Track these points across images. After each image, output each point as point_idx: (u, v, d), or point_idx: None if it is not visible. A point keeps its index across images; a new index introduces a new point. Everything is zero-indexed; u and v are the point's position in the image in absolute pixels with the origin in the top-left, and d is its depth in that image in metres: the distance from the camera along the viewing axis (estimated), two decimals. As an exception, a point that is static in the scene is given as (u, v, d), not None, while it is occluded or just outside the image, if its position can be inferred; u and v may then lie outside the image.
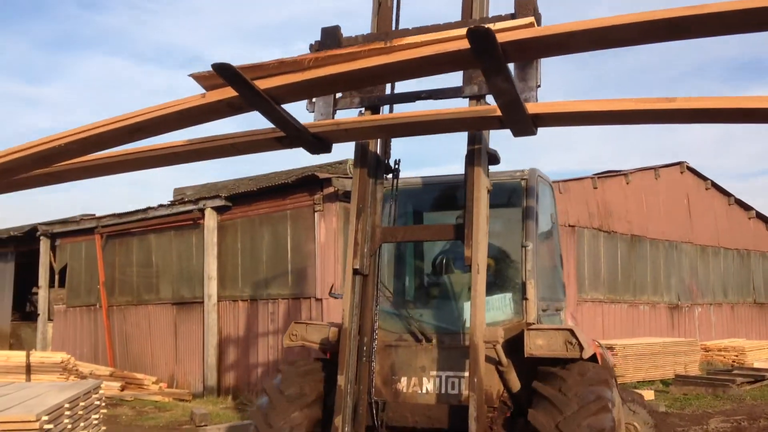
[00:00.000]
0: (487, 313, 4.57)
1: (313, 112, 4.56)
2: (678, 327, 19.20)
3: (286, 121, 3.56)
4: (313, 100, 4.56)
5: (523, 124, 3.64)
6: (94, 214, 18.69)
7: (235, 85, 3.14)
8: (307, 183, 13.31)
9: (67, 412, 4.90)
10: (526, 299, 4.81)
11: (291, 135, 3.74)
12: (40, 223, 19.46)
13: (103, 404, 6.15)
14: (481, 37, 2.91)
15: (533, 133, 3.70)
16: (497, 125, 3.81)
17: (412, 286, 5.72)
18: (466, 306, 4.83)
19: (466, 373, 4.49)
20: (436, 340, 4.76)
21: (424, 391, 4.66)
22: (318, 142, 3.94)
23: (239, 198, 15.11)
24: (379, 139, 4.84)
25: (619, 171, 18.65)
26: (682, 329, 19.21)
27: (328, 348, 4.94)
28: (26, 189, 4.22)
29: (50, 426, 4.40)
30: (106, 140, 3.63)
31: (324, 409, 4.71)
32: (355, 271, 4.57)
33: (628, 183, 18.45)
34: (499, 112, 3.60)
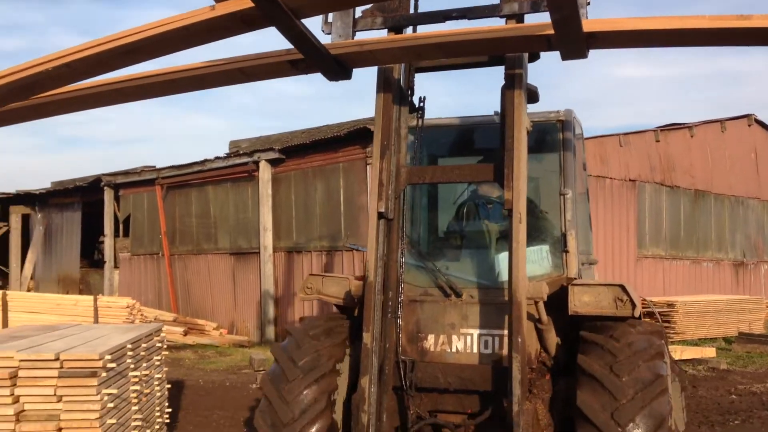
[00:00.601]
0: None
1: (329, 33, 4.11)
2: (743, 284, 18.65)
3: (307, 39, 3.10)
4: (330, 20, 4.13)
5: (577, 43, 3.22)
6: (154, 166, 19.14)
7: None
8: (359, 136, 13.28)
9: (130, 353, 5.07)
10: (566, 252, 4.45)
11: (309, 57, 3.29)
12: (104, 174, 20.04)
13: (165, 347, 6.35)
14: None
15: (584, 55, 3.33)
16: (544, 46, 3.40)
17: (436, 235, 5.23)
18: (499, 258, 4.51)
19: (501, 332, 4.14)
20: (467, 296, 4.31)
21: (453, 350, 4.25)
22: (338, 67, 3.47)
23: (293, 151, 15.21)
24: (401, 72, 4.37)
25: (683, 124, 17.96)
26: (747, 287, 18.66)
27: (347, 303, 4.52)
28: (3, 125, 3.71)
29: (113, 365, 4.56)
30: (97, 64, 3.10)
31: (341, 373, 4.31)
32: (380, 215, 4.11)
33: (692, 136, 17.79)
34: (549, 30, 3.19)
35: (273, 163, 15.56)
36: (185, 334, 14.40)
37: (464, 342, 4.24)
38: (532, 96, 4.38)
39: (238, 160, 16.24)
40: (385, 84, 4.24)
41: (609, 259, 15.51)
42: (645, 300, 12.36)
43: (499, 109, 4.21)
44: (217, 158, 16.91)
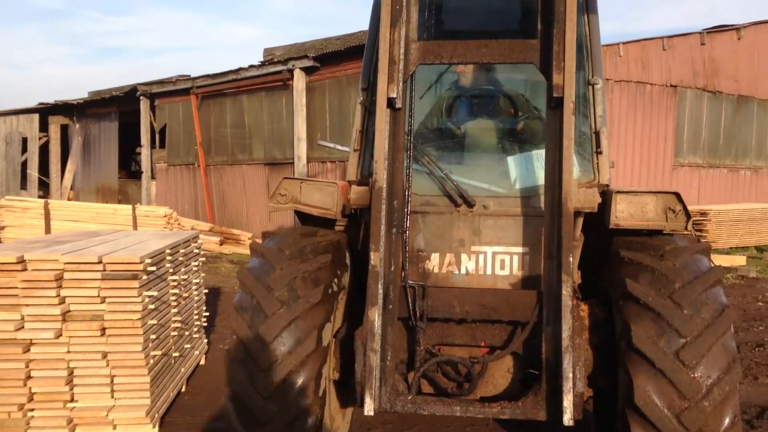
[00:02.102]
0: (539, 171, 3.66)
1: None
2: (782, 194, 18.30)
3: None
4: None
5: None
6: (189, 75, 19.13)
7: None
8: (394, 41, 13.00)
9: (169, 257, 5.26)
10: (599, 152, 3.70)
11: None
12: (139, 84, 20.13)
13: (202, 254, 6.57)
14: None
15: None
16: None
17: (434, 133, 4.29)
18: (510, 161, 3.87)
19: (519, 249, 3.49)
20: (479, 206, 3.57)
21: (462, 271, 3.53)
22: None
23: (327, 58, 15.02)
24: None
25: (732, 25, 17.18)
26: (786, 196, 18.32)
27: (336, 214, 3.70)
28: None
29: (153, 268, 4.74)
30: None
31: (334, 302, 3.49)
32: (390, 102, 3.32)
33: (739, 38, 17.04)
34: None
35: (307, 71, 15.43)
36: (221, 243, 14.78)
37: (476, 262, 3.54)
38: None
39: (272, 69, 16.13)
40: None
41: (644, 169, 15.29)
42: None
43: None
44: (252, 66, 16.82)
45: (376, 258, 3.24)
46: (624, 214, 3.47)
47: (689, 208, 3.61)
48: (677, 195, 3.48)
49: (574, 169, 3.53)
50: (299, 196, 3.78)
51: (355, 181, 3.91)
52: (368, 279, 3.23)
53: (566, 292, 3.10)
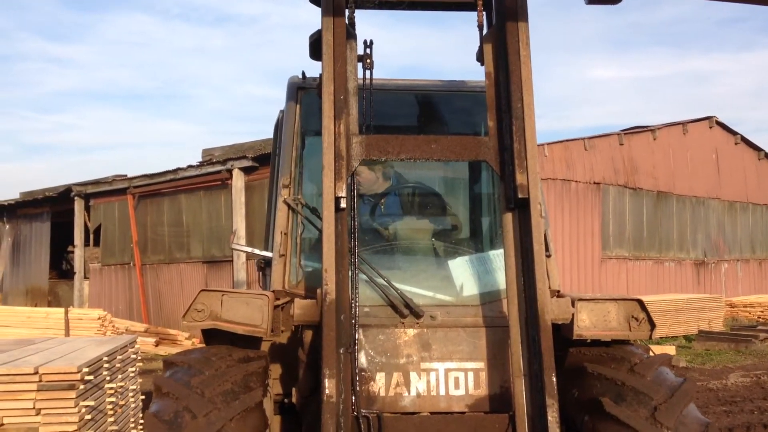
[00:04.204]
0: (488, 276, 3.47)
1: None
2: (704, 283, 19.17)
3: None
4: None
5: None
6: (125, 175, 19.11)
7: None
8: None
9: (106, 365, 5.20)
10: (548, 255, 3.33)
11: None
12: (74, 184, 19.94)
13: (139, 358, 6.48)
14: None
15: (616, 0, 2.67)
16: None
17: (371, 233, 3.88)
18: (452, 265, 3.60)
19: (475, 364, 3.14)
20: (427, 316, 3.21)
21: (413, 392, 3.10)
22: None
23: (266, 158, 15.34)
24: (347, 6, 3.21)
25: (647, 127, 18.46)
26: (708, 285, 19.18)
27: (264, 333, 3.15)
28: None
29: (90, 377, 4.68)
30: None
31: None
32: (337, 203, 2.94)
33: (655, 139, 18.27)
34: None
35: (246, 171, 15.69)
36: (157, 344, 14.42)
37: (427, 381, 3.12)
38: None
39: (210, 169, 16.35)
40: (335, 11, 3.09)
41: (574, 261, 15.89)
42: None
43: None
44: (190, 167, 16.99)
45: (331, 386, 2.76)
46: (586, 323, 3.19)
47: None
48: (640, 302, 3.29)
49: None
50: (220, 312, 3.18)
51: (282, 291, 3.43)
52: (323, 412, 2.75)
53: (552, 417, 2.75)
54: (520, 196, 2.96)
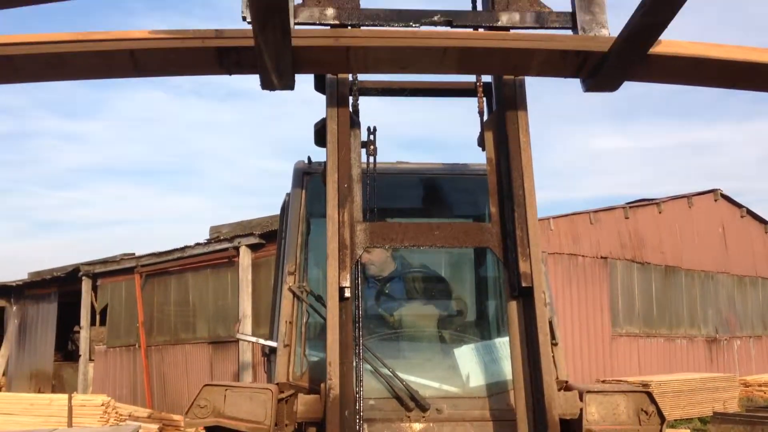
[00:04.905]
0: (494, 365, 3.47)
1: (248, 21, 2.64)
2: (717, 361, 18.81)
3: (279, 12, 2.18)
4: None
5: (626, 68, 2.58)
6: (134, 253, 19.20)
7: None
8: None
9: (106, 464, 5.10)
10: (554, 344, 3.30)
11: (263, 46, 2.31)
12: (82, 264, 20.01)
13: (141, 451, 6.36)
14: None
15: (617, 87, 2.70)
16: (573, 69, 2.66)
17: (374, 321, 3.92)
18: (458, 354, 3.58)
19: None
20: (434, 409, 3.18)
21: None
22: (282, 68, 2.52)
23: (273, 235, 15.41)
24: (350, 94, 3.26)
25: (652, 200, 18.53)
26: (721, 364, 18.81)
27: (267, 430, 3.08)
28: None
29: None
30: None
31: None
32: (341, 293, 2.92)
33: (660, 212, 18.32)
34: (602, 47, 2.53)
35: (253, 248, 15.76)
36: (160, 430, 14.17)
37: None
38: None
39: (218, 246, 16.42)
40: (339, 101, 3.14)
41: (584, 339, 15.68)
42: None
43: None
44: (198, 244, 17.08)
45: None
46: (595, 416, 3.16)
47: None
48: (649, 395, 3.27)
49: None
50: (223, 408, 3.13)
51: (286, 383, 3.38)
52: None
53: None
54: (523, 284, 2.92)
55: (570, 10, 2.92)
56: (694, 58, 2.56)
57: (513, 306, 3.03)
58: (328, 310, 2.93)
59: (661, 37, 2.44)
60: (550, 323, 3.32)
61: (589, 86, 2.71)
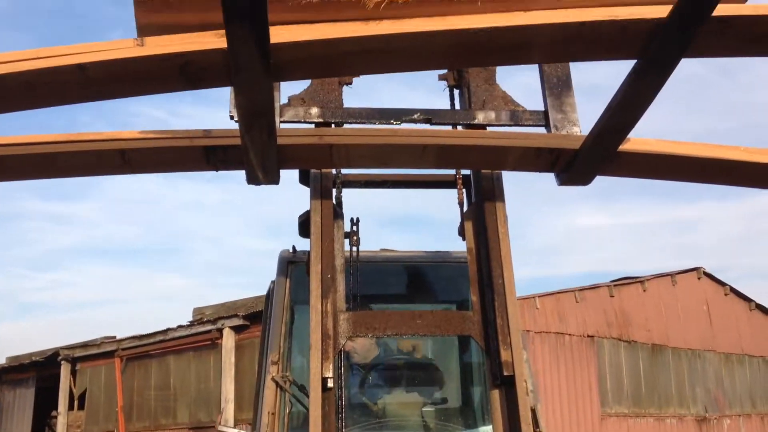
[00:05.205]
0: None
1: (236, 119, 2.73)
2: (708, 441, 18.51)
3: (265, 114, 2.22)
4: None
5: (598, 164, 2.67)
6: (114, 336, 18.88)
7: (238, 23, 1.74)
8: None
9: None
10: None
11: (249, 144, 2.37)
12: (61, 347, 19.62)
13: None
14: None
15: (589, 181, 2.79)
16: (547, 165, 2.75)
17: (358, 410, 3.92)
18: None
19: None
20: None
21: None
22: (267, 165, 2.60)
23: (257, 316, 15.26)
24: (334, 187, 3.35)
25: (636, 278, 18.62)
26: (712, 443, 18.51)
27: None
28: None
29: None
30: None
31: None
32: (324, 383, 2.91)
33: (644, 290, 18.38)
34: (573, 144, 2.63)
35: (237, 329, 15.55)
36: None
37: None
38: None
39: (201, 328, 16.20)
40: (323, 194, 3.19)
41: (574, 418, 15.42)
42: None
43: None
44: (180, 327, 16.84)
45: None
46: None
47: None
48: None
49: None
50: None
51: None
52: None
53: None
54: (505, 373, 2.92)
55: (543, 108, 3.06)
56: (662, 155, 2.64)
57: (496, 395, 3.02)
58: (310, 401, 2.91)
59: (630, 135, 2.53)
60: (534, 411, 3.28)
61: (563, 180, 2.80)
